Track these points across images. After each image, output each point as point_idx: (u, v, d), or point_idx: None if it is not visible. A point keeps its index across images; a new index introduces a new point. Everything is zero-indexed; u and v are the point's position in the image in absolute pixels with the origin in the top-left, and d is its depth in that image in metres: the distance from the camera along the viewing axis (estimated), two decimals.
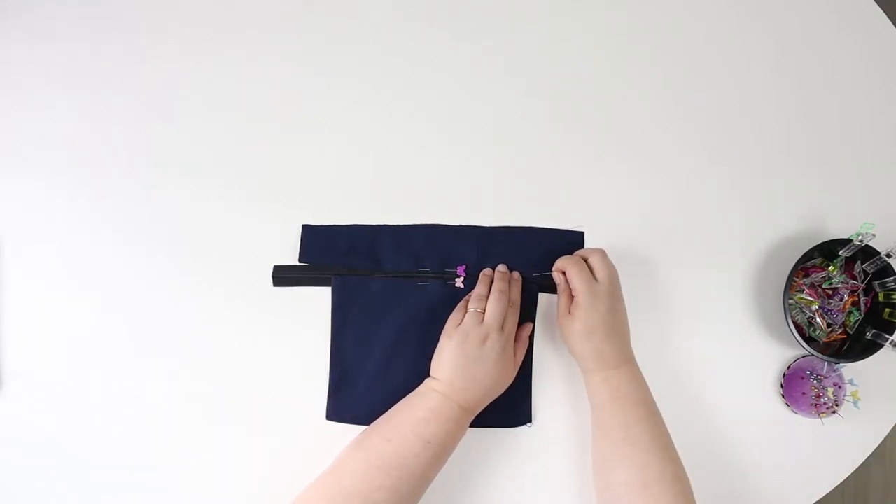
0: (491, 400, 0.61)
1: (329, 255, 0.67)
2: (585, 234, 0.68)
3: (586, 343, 0.61)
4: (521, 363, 0.63)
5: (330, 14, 0.71)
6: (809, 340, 0.66)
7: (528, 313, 0.66)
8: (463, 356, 0.59)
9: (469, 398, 0.59)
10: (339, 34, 0.70)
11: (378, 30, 0.71)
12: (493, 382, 0.60)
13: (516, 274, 0.66)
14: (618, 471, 0.58)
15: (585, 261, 0.63)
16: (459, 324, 0.61)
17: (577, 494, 0.65)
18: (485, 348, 0.59)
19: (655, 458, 0.57)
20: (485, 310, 0.61)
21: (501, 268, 0.66)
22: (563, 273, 0.63)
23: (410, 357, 0.64)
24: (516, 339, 0.63)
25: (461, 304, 0.64)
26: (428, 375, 0.61)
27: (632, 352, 0.63)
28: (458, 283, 0.66)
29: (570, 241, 0.68)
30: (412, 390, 0.61)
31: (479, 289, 0.64)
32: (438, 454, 0.57)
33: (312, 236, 0.67)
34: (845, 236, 0.64)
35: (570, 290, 0.62)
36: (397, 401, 0.61)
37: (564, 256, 0.64)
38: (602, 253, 0.63)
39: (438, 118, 0.70)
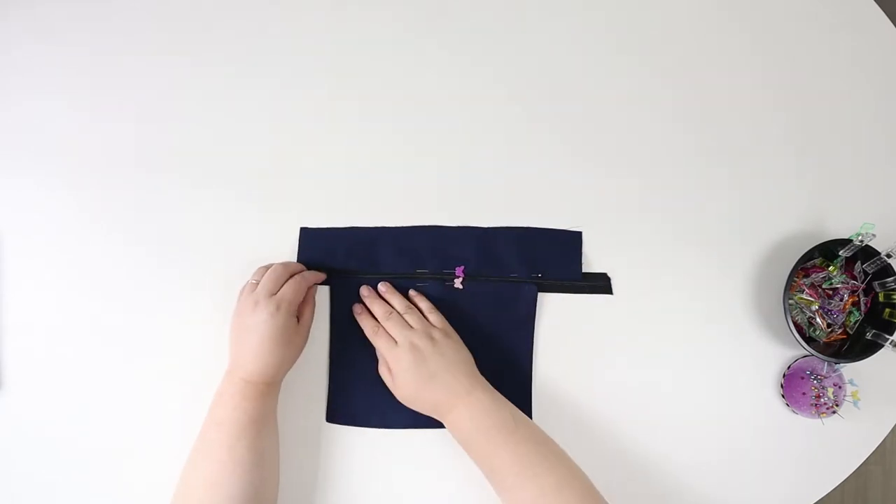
0: (285, 367, 0.61)
1: (327, 258, 0.66)
2: (584, 233, 0.68)
3: (417, 403, 0.60)
4: (310, 324, 0.63)
5: (327, 16, 0.70)
6: (809, 340, 0.66)
7: (526, 313, 0.66)
8: (236, 328, 0.60)
9: (251, 370, 0.58)
10: (336, 36, 0.70)
11: (375, 32, 0.70)
12: (272, 348, 0.58)
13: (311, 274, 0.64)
14: (507, 499, 0.55)
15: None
16: None
17: None
18: (255, 315, 0.58)
19: (525, 479, 0.54)
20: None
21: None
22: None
23: None
24: (304, 302, 0.62)
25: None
26: None
27: (472, 379, 0.60)
28: (457, 283, 0.66)
29: (568, 241, 0.68)
30: None
31: (261, 274, 0.62)
32: (236, 433, 0.56)
33: (310, 239, 0.67)
34: (845, 236, 0.64)
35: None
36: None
37: (361, 311, 0.64)
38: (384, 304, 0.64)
39: (436, 119, 0.69)
